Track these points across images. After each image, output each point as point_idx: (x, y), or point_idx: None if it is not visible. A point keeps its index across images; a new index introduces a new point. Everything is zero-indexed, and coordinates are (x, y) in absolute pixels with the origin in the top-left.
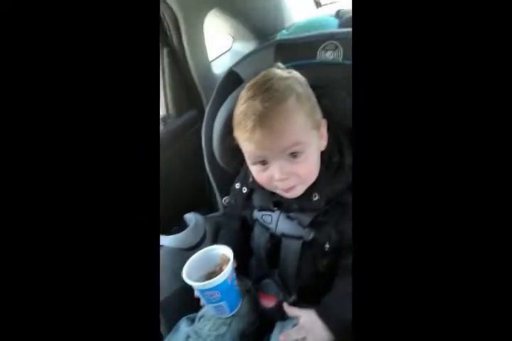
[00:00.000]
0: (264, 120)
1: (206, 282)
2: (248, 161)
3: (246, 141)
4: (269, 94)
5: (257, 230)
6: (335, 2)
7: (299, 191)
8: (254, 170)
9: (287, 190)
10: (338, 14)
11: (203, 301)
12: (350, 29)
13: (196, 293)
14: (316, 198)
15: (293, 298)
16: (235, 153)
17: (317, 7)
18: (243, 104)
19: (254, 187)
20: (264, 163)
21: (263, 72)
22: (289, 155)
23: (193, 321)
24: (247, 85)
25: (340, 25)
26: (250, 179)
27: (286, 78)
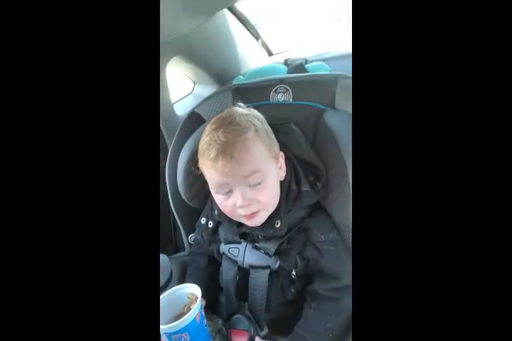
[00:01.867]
0: (226, 149)
1: (174, 323)
2: (212, 191)
3: (210, 169)
4: (231, 127)
5: (224, 264)
6: (284, 52)
7: (261, 217)
8: (219, 199)
9: (250, 216)
10: (287, 62)
11: None
12: (298, 74)
13: (163, 339)
14: (279, 225)
15: (265, 331)
16: (199, 189)
17: (269, 56)
18: (207, 136)
19: (221, 219)
20: (227, 191)
21: (226, 110)
22: (250, 183)
23: None
24: (212, 120)
25: (289, 71)
26: (216, 212)
27: (246, 114)
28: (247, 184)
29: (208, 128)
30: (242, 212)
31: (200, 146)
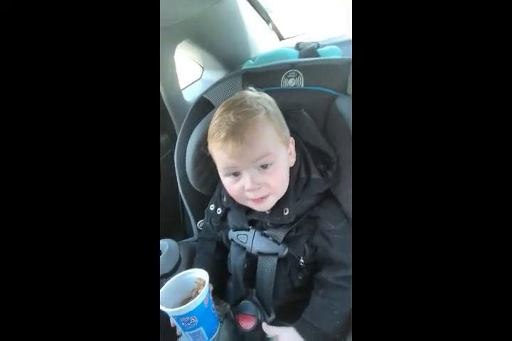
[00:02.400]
0: (236, 130)
1: (182, 307)
2: (221, 173)
3: (219, 151)
4: (242, 109)
5: (233, 250)
6: (296, 36)
7: (270, 202)
8: (227, 182)
9: (259, 200)
10: (298, 46)
11: (179, 330)
12: (309, 59)
13: (172, 321)
14: (287, 213)
15: (272, 317)
16: (208, 175)
17: (280, 40)
18: (217, 118)
19: (229, 205)
20: (235, 174)
21: (237, 93)
22: (259, 167)
23: None
24: (222, 103)
25: (300, 56)
26: (224, 198)
27: (257, 97)
28: (256, 167)
29: (219, 110)
30: (250, 195)
31: (210, 128)
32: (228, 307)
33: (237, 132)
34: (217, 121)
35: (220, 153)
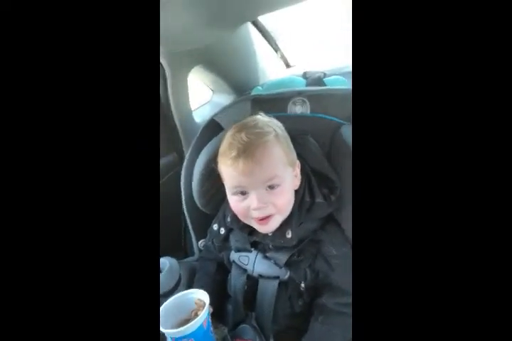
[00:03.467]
0: (248, 149)
1: (181, 328)
2: (228, 192)
3: (229, 168)
4: (254, 130)
5: (234, 272)
6: (301, 64)
7: (275, 222)
8: (233, 201)
9: (264, 221)
10: (305, 75)
11: None
12: (316, 87)
13: None
14: (290, 235)
15: None
16: (213, 195)
17: (287, 67)
18: (229, 138)
19: (233, 226)
20: (243, 193)
21: (248, 117)
22: (267, 187)
23: None
24: (234, 125)
25: (307, 84)
26: (228, 218)
27: (268, 121)
28: (264, 187)
29: (231, 131)
30: (255, 214)
31: (221, 147)
32: (226, 330)
33: (248, 150)
34: (229, 140)
35: (230, 171)
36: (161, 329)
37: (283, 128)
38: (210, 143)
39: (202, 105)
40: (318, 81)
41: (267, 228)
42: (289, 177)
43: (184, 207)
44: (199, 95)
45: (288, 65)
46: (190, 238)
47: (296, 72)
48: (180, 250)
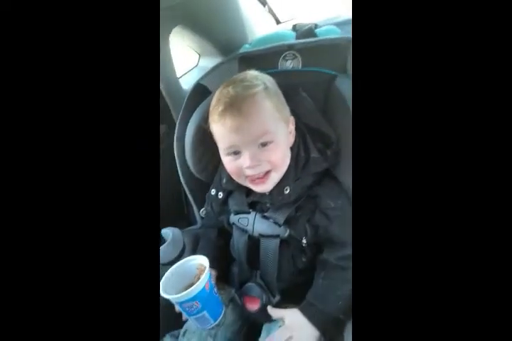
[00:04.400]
0: (234, 102)
1: (183, 293)
2: (221, 153)
3: (218, 124)
4: (241, 83)
5: (235, 234)
6: (292, 19)
7: (273, 180)
8: (227, 162)
9: (261, 180)
10: (295, 28)
11: (184, 315)
12: (307, 39)
13: (177, 308)
14: (287, 191)
15: (276, 298)
16: (208, 161)
17: (277, 24)
18: (217, 93)
19: (229, 186)
20: (236, 152)
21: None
22: (259, 145)
23: (177, 337)
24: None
25: (298, 37)
26: (224, 180)
27: (257, 75)
28: (256, 145)
29: (220, 88)
30: (249, 172)
31: (211, 104)
32: (233, 291)
33: (234, 104)
34: (217, 96)
35: (218, 128)
36: (166, 295)
37: (274, 82)
38: (199, 107)
39: (189, 70)
40: (310, 32)
41: (265, 187)
42: (283, 134)
43: (180, 176)
44: (185, 60)
45: (278, 21)
46: (192, 208)
47: (286, 27)
48: (184, 220)
